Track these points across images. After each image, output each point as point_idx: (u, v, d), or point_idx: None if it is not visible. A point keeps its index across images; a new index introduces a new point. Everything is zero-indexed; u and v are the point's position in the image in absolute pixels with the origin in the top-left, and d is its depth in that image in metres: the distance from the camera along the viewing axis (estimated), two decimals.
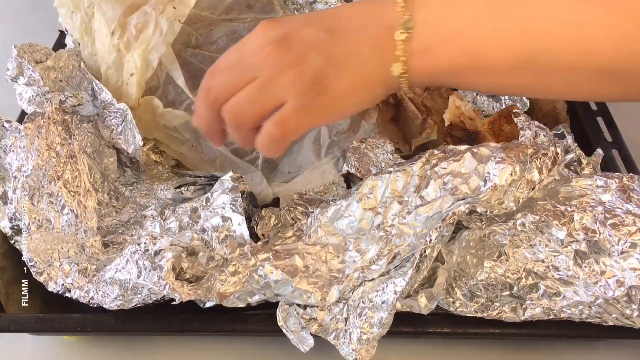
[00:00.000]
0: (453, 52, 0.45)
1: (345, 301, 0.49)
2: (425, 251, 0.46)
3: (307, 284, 0.48)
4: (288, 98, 0.45)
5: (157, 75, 0.63)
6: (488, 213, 0.48)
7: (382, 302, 0.46)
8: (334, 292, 0.48)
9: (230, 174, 0.53)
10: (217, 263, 0.49)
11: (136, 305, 0.49)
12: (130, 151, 0.57)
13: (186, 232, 0.50)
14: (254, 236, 0.55)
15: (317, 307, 0.49)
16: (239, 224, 0.50)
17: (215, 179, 0.56)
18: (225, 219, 0.50)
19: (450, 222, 0.46)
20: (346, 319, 0.48)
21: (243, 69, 0.47)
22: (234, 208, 0.51)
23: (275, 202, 0.61)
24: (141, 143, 0.57)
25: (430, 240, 0.46)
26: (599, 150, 0.58)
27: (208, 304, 0.49)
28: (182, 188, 0.56)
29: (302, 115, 0.45)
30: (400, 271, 0.48)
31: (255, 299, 0.49)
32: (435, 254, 0.48)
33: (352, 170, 0.59)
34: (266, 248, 0.51)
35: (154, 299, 0.48)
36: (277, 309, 0.49)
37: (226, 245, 0.50)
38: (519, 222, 0.50)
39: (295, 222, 0.56)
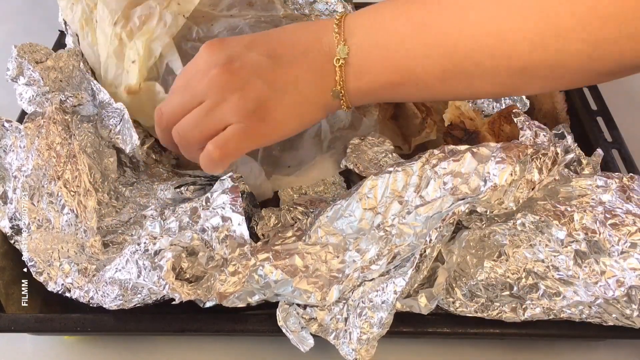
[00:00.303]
0: (385, 71, 0.49)
1: (345, 301, 0.49)
2: (425, 251, 0.46)
3: (307, 284, 0.48)
4: (231, 121, 0.49)
5: (157, 66, 0.63)
6: (488, 213, 0.48)
7: (382, 302, 0.46)
8: (333, 292, 0.48)
9: (231, 173, 0.53)
10: (217, 263, 0.49)
11: (136, 305, 0.49)
12: (127, 150, 0.57)
13: (186, 232, 0.50)
14: (254, 236, 0.55)
15: (317, 307, 0.49)
16: (238, 224, 0.50)
17: (215, 178, 0.56)
18: (225, 219, 0.50)
19: (450, 222, 0.46)
20: (346, 319, 0.48)
21: (191, 94, 0.51)
22: (233, 208, 0.51)
23: (276, 202, 0.61)
24: (138, 142, 0.57)
25: (430, 240, 0.46)
26: (599, 150, 0.58)
27: (208, 304, 0.49)
28: (182, 188, 0.56)
29: (241, 139, 0.49)
30: (400, 271, 0.48)
31: (255, 299, 0.49)
32: (435, 254, 0.48)
33: (351, 167, 0.59)
34: (266, 248, 0.51)
35: (154, 298, 0.48)
36: (277, 309, 0.49)
37: (226, 245, 0.50)
38: (519, 222, 0.50)
39: (295, 222, 0.56)
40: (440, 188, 0.49)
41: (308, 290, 0.48)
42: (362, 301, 0.48)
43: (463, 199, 0.47)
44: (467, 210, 0.47)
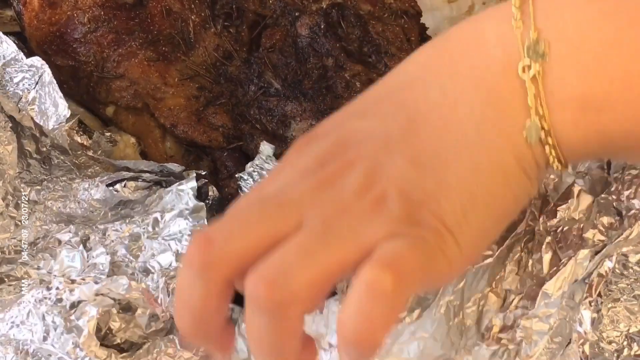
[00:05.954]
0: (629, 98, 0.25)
1: None
2: None
3: None
4: (379, 235, 0.25)
5: None
6: None
7: None
8: None
9: (193, 176, 0.37)
10: (163, 326, 0.35)
11: None
12: (50, 126, 0.40)
13: (119, 276, 0.35)
14: None
15: None
16: None
17: (167, 175, 0.39)
18: (181, 257, 0.36)
19: None
20: None
21: (275, 205, 0.26)
22: None
23: None
24: (68, 112, 0.40)
25: None
26: None
27: None
28: (118, 185, 0.39)
29: (416, 254, 0.25)
30: None
31: None
32: None
33: None
34: None
35: None
36: None
37: None
38: None
39: None
40: None
41: None
42: None
43: None
44: None
